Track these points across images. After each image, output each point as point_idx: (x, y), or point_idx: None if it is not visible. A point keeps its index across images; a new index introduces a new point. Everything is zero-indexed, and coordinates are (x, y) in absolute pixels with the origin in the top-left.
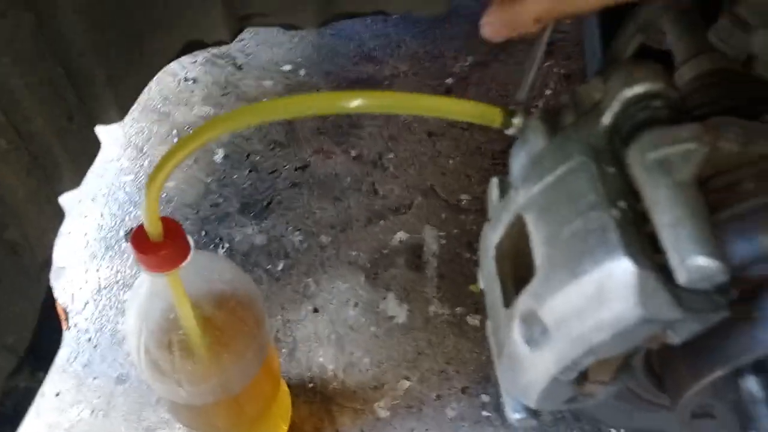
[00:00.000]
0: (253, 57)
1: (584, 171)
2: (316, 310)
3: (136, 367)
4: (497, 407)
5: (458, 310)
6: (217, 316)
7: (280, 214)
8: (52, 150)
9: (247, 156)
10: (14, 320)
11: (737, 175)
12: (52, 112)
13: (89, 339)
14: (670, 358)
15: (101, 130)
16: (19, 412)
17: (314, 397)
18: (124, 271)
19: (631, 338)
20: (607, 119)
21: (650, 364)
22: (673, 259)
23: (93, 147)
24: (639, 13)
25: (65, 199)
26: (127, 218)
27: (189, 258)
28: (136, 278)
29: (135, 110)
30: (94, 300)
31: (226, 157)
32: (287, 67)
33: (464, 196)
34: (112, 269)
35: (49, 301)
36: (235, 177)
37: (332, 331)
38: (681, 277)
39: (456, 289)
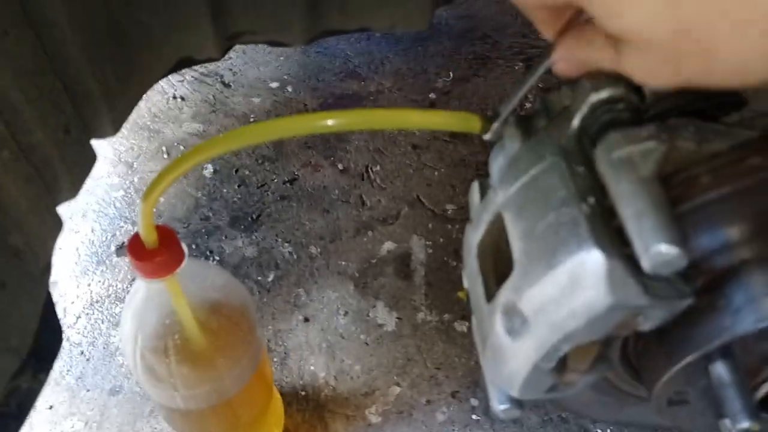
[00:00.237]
0: (240, 75)
1: (556, 170)
2: (306, 320)
3: (132, 373)
4: (486, 411)
5: (446, 317)
6: (211, 321)
7: (269, 226)
8: (51, 161)
9: (236, 170)
10: (18, 323)
11: (695, 171)
12: (51, 125)
13: (82, 352)
14: (645, 349)
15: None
16: (22, 412)
17: (306, 405)
18: (116, 285)
19: (603, 324)
20: (576, 122)
21: (627, 357)
22: (638, 248)
23: (89, 159)
24: None
25: None
26: (117, 233)
27: (184, 263)
28: (128, 292)
29: (125, 128)
30: (86, 314)
31: (215, 171)
32: (274, 84)
33: (450, 206)
34: (103, 283)
35: (49, 305)
36: (224, 191)
37: (323, 339)
38: (645, 264)
39: (443, 296)
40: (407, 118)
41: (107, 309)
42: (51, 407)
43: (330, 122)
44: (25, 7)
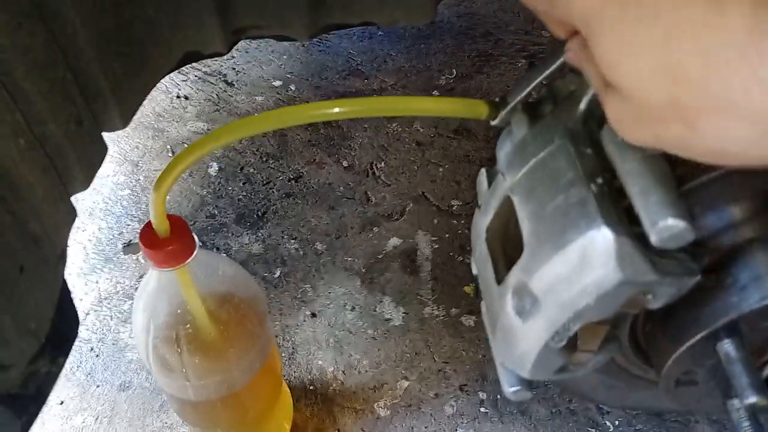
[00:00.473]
0: (243, 74)
1: (563, 152)
2: (314, 315)
3: (145, 364)
4: (495, 403)
5: (453, 311)
6: (221, 311)
7: (275, 223)
8: (64, 151)
9: (241, 168)
10: (36, 307)
11: None
12: (63, 116)
13: (91, 348)
14: (654, 330)
15: None
16: (42, 394)
17: (315, 399)
18: (124, 282)
19: (613, 301)
20: (583, 105)
21: (636, 339)
22: (646, 224)
23: (100, 150)
24: None
25: None
26: (124, 231)
27: (195, 253)
28: (136, 289)
29: (129, 127)
30: (95, 311)
31: (220, 170)
32: (277, 83)
33: (455, 202)
34: (111, 281)
35: (64, 292)
36: (229, 189)
37: (331, 334)
38: (653, 238)
39: (450, 291)
40: (415, 105)
41: (115, 306)
42: (62, 402)
43: (338, 110)
44: (37, 1)
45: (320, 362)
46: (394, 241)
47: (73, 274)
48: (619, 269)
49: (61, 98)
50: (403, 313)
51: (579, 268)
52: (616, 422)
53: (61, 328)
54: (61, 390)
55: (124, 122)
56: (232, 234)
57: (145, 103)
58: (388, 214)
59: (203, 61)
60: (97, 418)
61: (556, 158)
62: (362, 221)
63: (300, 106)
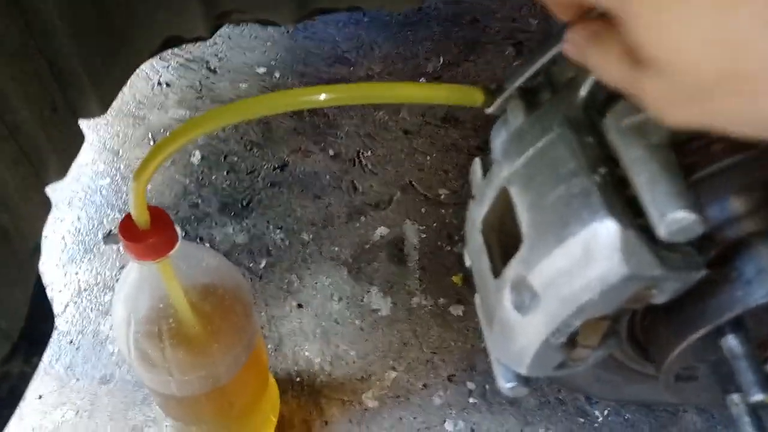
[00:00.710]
0: (226, 60)
1: (564, 141)
2: (300, 306)
3: (125, 359)
4: (483, 394)
5: (441, 301)
6: (205, 305)
7: (260, 213)
8: (37, 141)
9: (225, 157)
10: (7, 305)
11: (708, 138)
12: (37, 104)
13: (71, 341)
14: (653, 325)
15: None
16: (15, 396)
17: (302, 391)
18: (104, 274)
19: (617, 296)
20: (583, 91)
21: (634, 334)
22: (653, 216)
23: (77, 139)
24: None
25: None
26: (104, 221)
27: (177, 246)
28: (117, 280)
29: (109, 114)
30: (74, 302)
31: (203, 158)
32: (261, 70)
33: (442, 191)
34: (91, 272)
35: (39, 287)
36: (213, 178)
37: (317, 325)
38: (661, 231)
39: (438, 280)
40: (409, 92)
41: (95, 297)
42: (40, 397)
43: (325, 96)
44: None
45: (307, 353)
46: (382, 230)
47: (52, 265)
48: (625, 263)
49: (35, 85)
50: (391, 303)
51: (582, 261)
52: (605, 412)
53: (35, 326)
54: (40, 384)
55: (103, 108)
56: (216, 224)
57: (125, 89)
58: (375, 204)
59: (185, 47)
60: (77, 413)
61: (556, 147)
62: (349, 210)
63: (287, 91)
